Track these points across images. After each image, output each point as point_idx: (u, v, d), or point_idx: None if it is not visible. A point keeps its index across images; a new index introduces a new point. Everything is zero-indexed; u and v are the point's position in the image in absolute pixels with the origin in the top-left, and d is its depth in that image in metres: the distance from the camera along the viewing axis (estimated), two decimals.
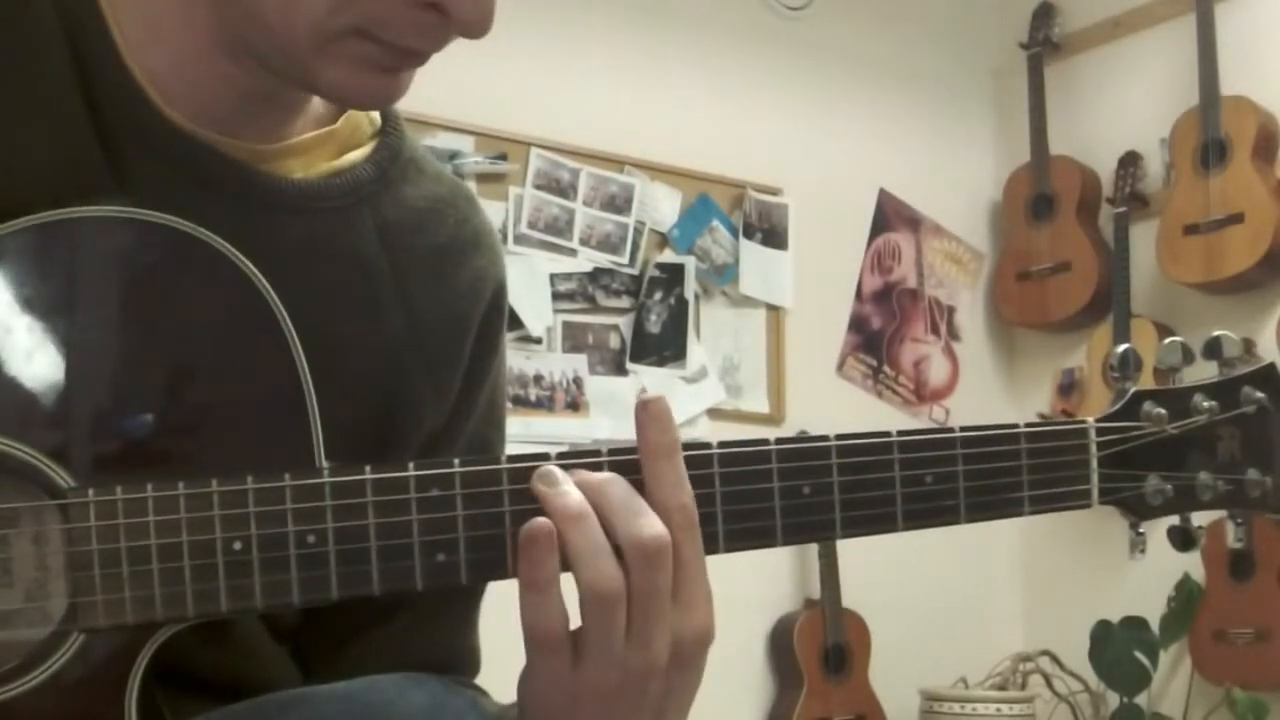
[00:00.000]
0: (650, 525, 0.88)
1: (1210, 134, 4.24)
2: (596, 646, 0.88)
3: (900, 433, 0.96)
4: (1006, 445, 0.98)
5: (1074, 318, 4.66)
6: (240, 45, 0.96)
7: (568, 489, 0.89)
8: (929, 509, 0.96)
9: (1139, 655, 4.17)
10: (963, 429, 0.97)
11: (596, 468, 0.91)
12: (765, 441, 0.94)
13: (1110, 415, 1.01)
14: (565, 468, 0.90)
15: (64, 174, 0.94)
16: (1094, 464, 1.00)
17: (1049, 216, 4.73)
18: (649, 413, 0.91)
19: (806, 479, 0.94)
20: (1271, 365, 1.01)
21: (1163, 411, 1.01)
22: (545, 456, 0.91)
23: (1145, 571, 4.33)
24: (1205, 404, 1.01)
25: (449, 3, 0.91)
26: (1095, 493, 1.00)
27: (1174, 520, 1.03)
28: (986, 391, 4.97)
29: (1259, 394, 1.01)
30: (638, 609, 0.88)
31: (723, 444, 0.93)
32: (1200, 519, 1.03)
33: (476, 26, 0.93)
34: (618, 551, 0.88)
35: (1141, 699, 4.25)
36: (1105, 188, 4.68)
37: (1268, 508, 1.01)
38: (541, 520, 0.88)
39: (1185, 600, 4.20)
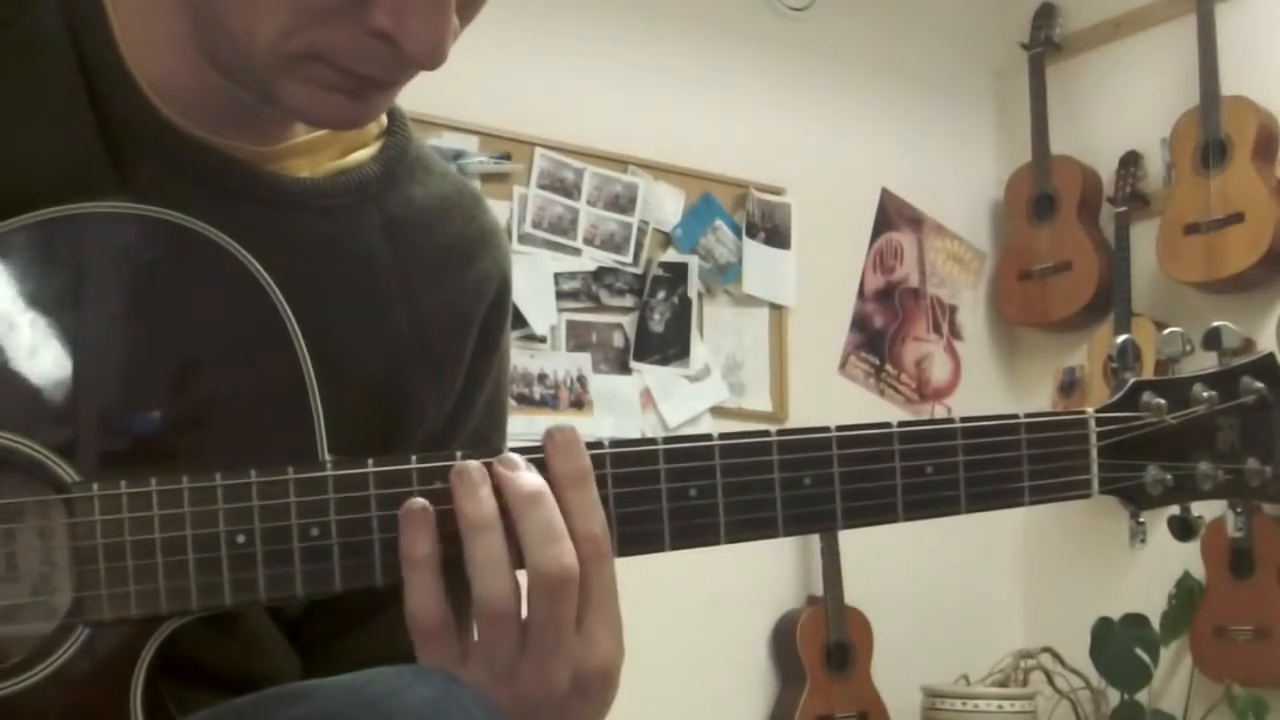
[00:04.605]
0: (558, 556, 0.87)
1: (1210, 134, 4.24)
2: (485, 658, 0.88)
3: (901, 423, 0.96)
4: (1007, 435, 0.98)
5: (1075, 317, 4.67)
6: (215, 59, 0.96)
7: (483, 494, 0.88)
8: (930, 499, 0.97)
9: (1140, 652, 4.17)
10: (963, 419, 0.98)
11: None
12: (766, 433, 0.94)
13: (1110, 405, 1.01)
14: (522, 452, 0.90)
15: (69, 173, 0.94)
16: (1094, 454, 1.00)
17: (1050, 216, 4.73)
18: (554, 443, 0.90)
19: (807, 470, 0.94)
20: (1271, 355, 1.01)
21: (1162, 402, 1.01)
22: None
23: (1146, 569, 4.33)
24: (1205, 394, 1.01)
25: (399, 34, 0.90)
26: (1095, 482, 1.00)
27: (1174, 510, 1.03)
28: (988, 390, 4.97)
29: (1258, 384, 1.01)
30: (536, 636, 0.87)
31: (724, 435, 0.93)
32: (1201, 510, 1.04)
33: (427, 58, 0.91)
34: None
35: (1142, 696, 4.25)
36: (1106, 187, 4.68)
37: (1267, 497, 1.01)
38: (418, 500, 0.88)
39: (1186, 597, 4.20)
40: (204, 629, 0.91)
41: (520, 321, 4.02)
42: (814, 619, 4.38)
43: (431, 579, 0.88)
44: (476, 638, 0.88)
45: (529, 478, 0.89)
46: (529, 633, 0.88)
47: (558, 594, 0.87)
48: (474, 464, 0.89)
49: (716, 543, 0.92)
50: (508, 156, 4.15)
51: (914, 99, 4.94)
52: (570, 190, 4.26)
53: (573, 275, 4.23)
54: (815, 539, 4.40)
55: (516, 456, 0.90)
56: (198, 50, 0.96)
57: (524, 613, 0.88)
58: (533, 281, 4.10)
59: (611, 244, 4.31)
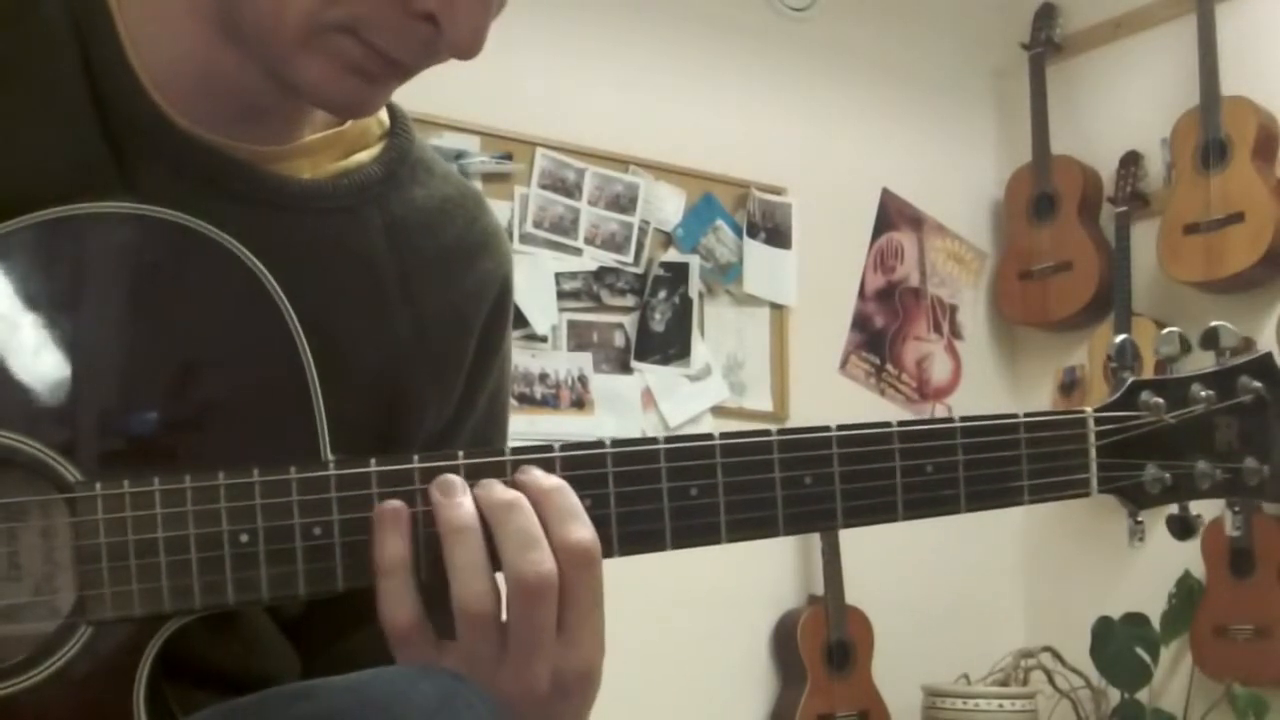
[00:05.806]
0: (536, 563, 0.87)
1: (1211, 134, 4.24)
2: (464, 658, 0.88)
3: (901, 423, 0.96)
4: (1006, 435, 0.98)
5: (1075, 316, 4.66)
6: (232, 28, 0.96)
7: (462, 500, 0.88)
8: (929, 498, 0.97)
9: (1140, 651, 4.17)
10: (963, 419, 0.98)
11: (549, 464, 0.91)
12: (767, 432, 0.95)
13: (1109, 405, 1.01)
14: (516, 465, 0.91)
15: (72, 174, 0.95)
16: (1093, 453, 1.00)
17: (1050, 216, 4.73)
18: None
19: (808, 469, 0.95)
20: (1269, 355, 1.01)
21: (1161, 401, 1.01)
22: (549, 448, 0.92)
23: (1146, 568, 4.33)
24: (1203, 393, 1.01)
25: (444, 18, 0.91)
26: (1094, 481, 1.00)
27: (1173, 509, 1.03)
28: (988, 390, 4.97)
29: (1256, 383, 1.01)
30: (515, 640, 0.88)
31: (725, 435, 0.94)
32: (1199, 509, 1.04)
33: (466, 47, 0.92)
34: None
35: (1143, 695, 4.25)
36: (1106, 187, 4.68)
37: (1265, 496, 1.01)
38: (391, 502, 0.88)
39: (1186, 597, 4.20)
40: (205, 628, 0.92)
41: (521, 321, 4.02)
42: (815, 618, 4.38)
43: (404, 585, 0.88)
44: (457, 638, 0.89)
45: (506, 488, 0.89)
46: (509, 636, 0.88)
47: (537, 600, 0.87)
48: (452, 475, 0.89)
49: (717, 542, 0.93)
50: (509, 156, 4.15)
51: (914, 99, 4.94)
52: (571, 190, 4.26)
53: (574, 275, 4.23)
54: (816, 539, 4.39)
55: (493, 480, 0.90)
56: (214, 24, 0.96)
57: (504, 616, 0.89)
58: (534, 281, 4.10)
59: (612, 244, 4.31)
